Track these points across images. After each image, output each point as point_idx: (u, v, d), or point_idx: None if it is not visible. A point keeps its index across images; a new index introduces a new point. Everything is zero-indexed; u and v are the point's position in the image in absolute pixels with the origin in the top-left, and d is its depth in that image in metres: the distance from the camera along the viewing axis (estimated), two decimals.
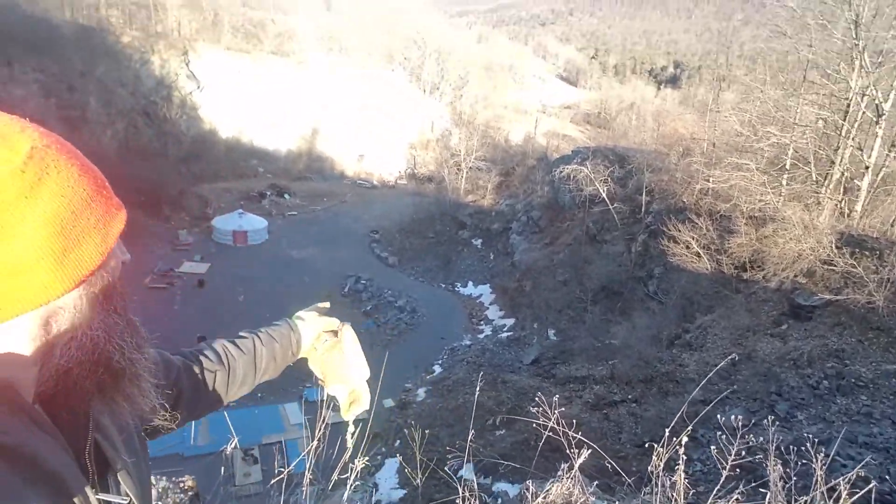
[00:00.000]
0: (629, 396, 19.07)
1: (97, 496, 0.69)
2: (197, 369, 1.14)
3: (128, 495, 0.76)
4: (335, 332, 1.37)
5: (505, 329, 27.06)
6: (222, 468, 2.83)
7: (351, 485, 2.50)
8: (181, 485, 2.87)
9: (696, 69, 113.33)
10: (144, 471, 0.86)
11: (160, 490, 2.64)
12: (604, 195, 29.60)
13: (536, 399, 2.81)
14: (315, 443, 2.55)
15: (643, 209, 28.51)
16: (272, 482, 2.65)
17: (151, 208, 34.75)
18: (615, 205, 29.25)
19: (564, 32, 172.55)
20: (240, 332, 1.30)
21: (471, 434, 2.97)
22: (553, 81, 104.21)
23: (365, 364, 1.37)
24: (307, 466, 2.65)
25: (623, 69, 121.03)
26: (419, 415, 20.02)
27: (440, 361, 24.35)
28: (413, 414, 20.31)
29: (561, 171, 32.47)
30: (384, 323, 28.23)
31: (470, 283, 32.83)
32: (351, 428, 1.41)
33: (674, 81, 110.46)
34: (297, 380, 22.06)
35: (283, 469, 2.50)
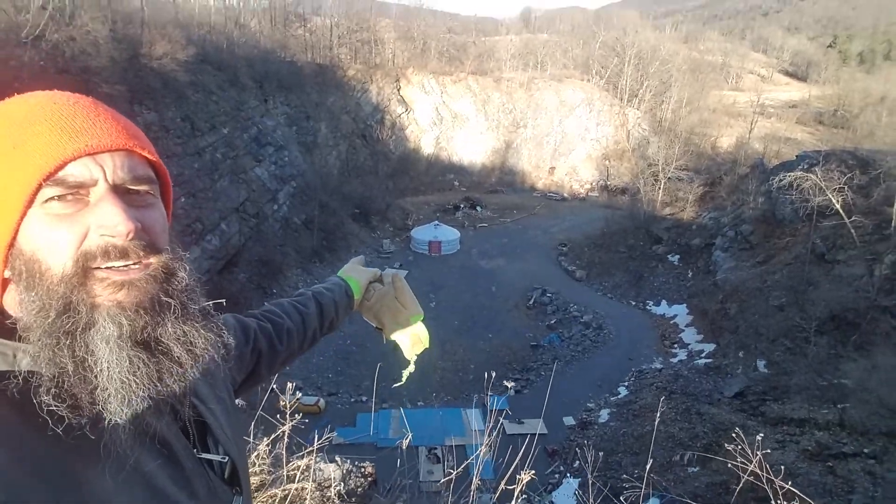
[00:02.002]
0: (865, 450, 15.81)
1: (199, 456, 0.78)
2: (270, 328, 1.21)
3: (226, 454, 0.83)
4: (381, 282, 1.42)
5: (703, 355, 24.47)
6: (397, 461, 3.07)
7: (517, 496, 2.50)
8: (363, 470, 3.20)
9: None
10: (239, 432, 0.94)
11: (344, 471, 2.98)
12: (838, 207, 25.01)
13: (737, 437, 2.55)
14: (483, 448, 2.66)
15: (894, 223, 23.46)
16: (441, 481, 2.83)
17: (362, 220, 39.31)
18: (853, 218, 24.50)
19: (793, 21, 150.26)
20: (298, 292, 1.37)
21: (649, 463, 2.77)
22: (776, 78, 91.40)
23: (417, 305, 1.39)
24: (475, 472, 2.76)
25: (871, 56, 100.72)
26: (601, 437, 19.19)
27: (626, 383, 23.02)
28: (594, 436, 19.52)
29: (781, 180, 28.39)
30: (568, 338, 27.68)
31: (664, 302, 30.42)
32: (411, 367, 1.41)
33: None
34: (481, 387, 22.84)
35: (457, 470, 2.59)
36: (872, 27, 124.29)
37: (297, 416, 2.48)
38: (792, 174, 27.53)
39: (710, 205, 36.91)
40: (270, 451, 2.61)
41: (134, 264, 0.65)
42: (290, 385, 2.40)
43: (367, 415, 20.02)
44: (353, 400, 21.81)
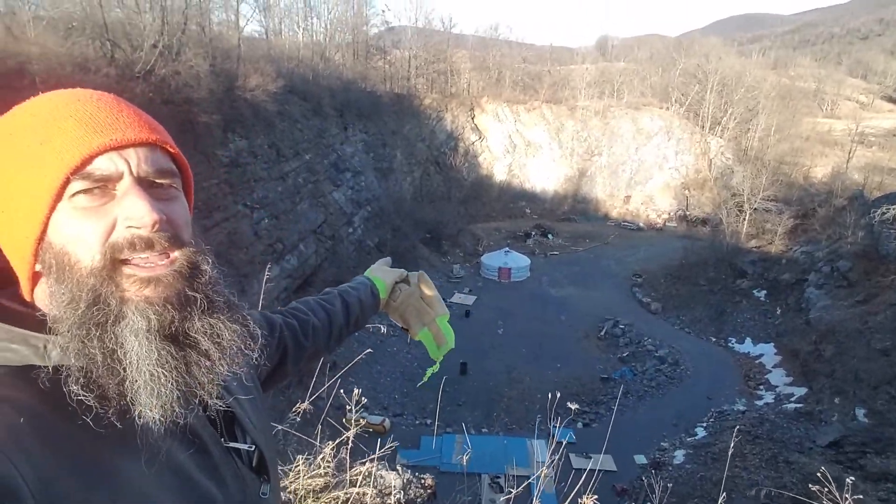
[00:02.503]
0: None
1: (226, 445, 0.80)
2: (296, 324, 1.22)
3: (253, 443, 0.85)
4: (407, 282, 1.43)
5: (792, 399, 22.59)
6: (457, 484, 3.06)
7: None
8: (423, 482, 3.22)
9: None
10: (265, 422, 0.96)
11: (405, 480, 3.02)
12: None
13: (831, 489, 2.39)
14: (544, 478, 2.62)
15: None
16: None
17: (434, 244, 39.87)
18: None
19: None
20: (325, 291, 1.39)
21: None
22: (877, 104, 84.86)
23: (443, 305, 1.41)
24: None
25: None
26: (675, 479, 18.02)
27: (704, 424, 21.63)
28: (668, 477, 18.35)
29: (885, 213, 26.20)
30: (641, 372, 26.46)
31: (748, 340, 28.48)
32: (435, 367, 1.43)
33: None
34: (547, 418, 22.35)
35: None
36: None
37: (359, 426, 2.54)
38: None
39: (803, 238, 34.49)
40: (335, 455, 2.67)
41: (160, 256, 0.67)
42: (356, 391, 2.45)
43: (431, 437, 19.96)
44: (417, 422, 21.85)
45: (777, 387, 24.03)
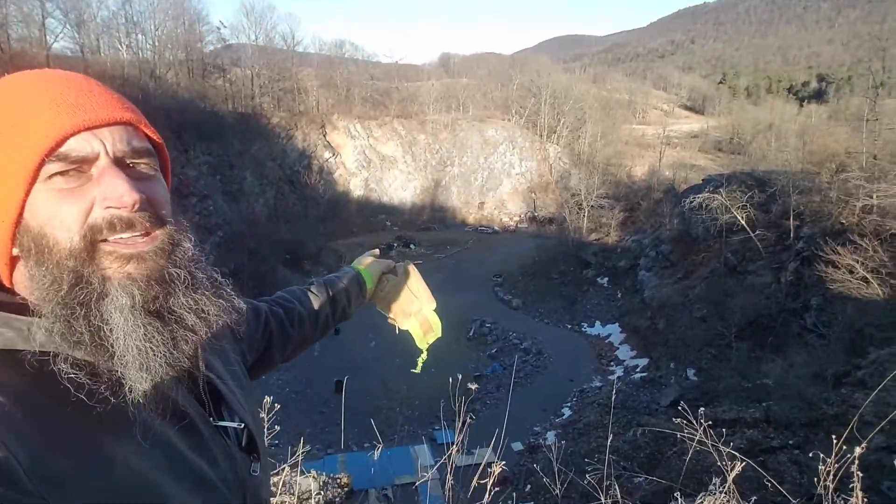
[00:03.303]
0: (790, 442, 16.78)
1: (215, 423, 0.79)
2: (282, 312, 1.21)
3: (242, 422, 0.84)
4: (394, 273, 1.42)
5: (638, 370, 25.40)
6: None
7: None
8: (338, 481, 3.16)
9: (846, 79, 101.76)
10: (253, 404, 0.95)
11: (321, 483, 2.93)
12: (743, 223, 27.21)
13: (679, 445, 2.66)
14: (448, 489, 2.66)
15: (792, 234, 25.73)
16: None
17: (295, 264, 38.45)
18: (757, 232, 26.70)
19: (686, 61, 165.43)
20: (311, 280, 1.38)
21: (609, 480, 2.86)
22: (676, 112, 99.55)
23: (430, 295, 1.40)
24: None
25: (756, 90, 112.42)
26: (550, 459, 19.26)
27: (569, 404, 23.41)
28: (543, 458, 19.57)
29: (692, 202, 30.60)
30: (510, 365, 27.91)
31: (597, 323, 31.50)
32: (424, 356, 1.42)
33: (819, 96, 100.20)
34: (427, 423, 22.49)
35: None
36: (753, 65, 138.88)
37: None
38: (700, 196, 29.75)
39: (632, 228, 39.12)
40: None
41: (140, 236, 0.66)
42: (267, 398, 2.44)
43: (311, 462, 19.12)
44: (294, 449, 20.81)
45: (624, 361, 26.84)
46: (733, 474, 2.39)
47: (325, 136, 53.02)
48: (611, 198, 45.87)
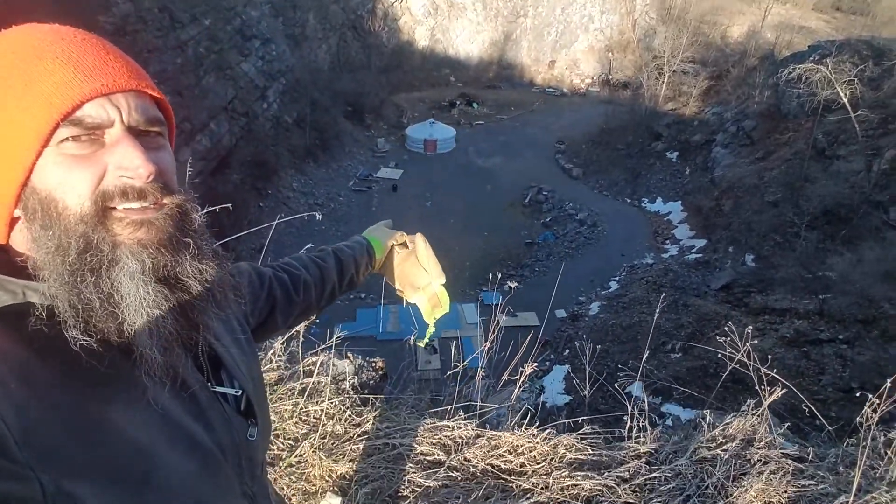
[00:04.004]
0: (840, 336, 16.64)
1: (213, 389, 0.81)
2: (286, 277, 1.21)
3: (241, 388, 0.86)
4: (405, 245, 1.40)
5: (693, 250, 24.93)
6: (408, 354, 3.26)
7: (520, 385, 2.69)
8: (373, 364, 3.37)
9: None
10: (255, 368, 0.96)
11: (356, 366, 3.14)
12: (845, 100, 24.20)
13: (723, 328, 2.60)
14: (488, 343, 2.79)
15: None
16: (448, 373, 2.97)
17: (356, 118, 38.20)
18: (858, 112, 23.83)
19: None
20: (319, 248, 1.38)
21: (646, 354, 2.96)
22: None
23: (440, 269, 1.39)
24: (480, 364, 2.91)
25: None
26: (591, 328, 20.03)
27: (617, 278, 23.66)
28: (584, 327, 20.39)
29: (790, 72, 27.22)
30: (563, 235, 28.04)
31: (659, 200, 30.46)
32: (432, 329, 1.42)
33: None
34: (476, 283, 23.51)
35: (457, 364, 2.77)
36: None
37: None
38: (801, 66, 26.32)
39: (715, 99, 35.76)
40: (285, 349, 2.79)
41: (151, 205, 0.66)
42: None
43: (366, 310, 20.75)
44: (352, 297, 22.52)
45: (681, 240, 26.29)
46: (770, 399, 2.42)
47: None
48: (697, 62, 41.43)
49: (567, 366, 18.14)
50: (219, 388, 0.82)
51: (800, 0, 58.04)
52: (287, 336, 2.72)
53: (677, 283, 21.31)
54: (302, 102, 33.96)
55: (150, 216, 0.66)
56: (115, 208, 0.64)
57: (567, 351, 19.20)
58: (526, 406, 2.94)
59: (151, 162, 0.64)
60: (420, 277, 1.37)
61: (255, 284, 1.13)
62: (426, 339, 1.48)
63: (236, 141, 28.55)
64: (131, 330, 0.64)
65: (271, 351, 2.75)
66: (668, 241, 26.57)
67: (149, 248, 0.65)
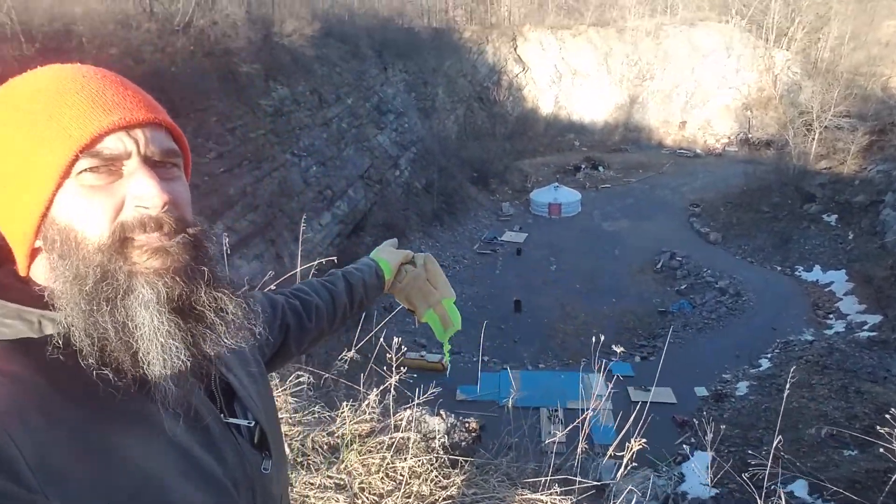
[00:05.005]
0: None
1: (225, 420, 0.79)
2: (298, 304, 1.21)
3: (254, 419, 0.84)
4: (413, 264, 1.41)
5: (865, 327, 21.66)
6: (513, 420, 3.15)
7: (626, 464, 2.49)
8: (467, 425, 3.29)
9: None
10: (268, 399, 0.95)
11: (448, 424, 3.08)
12: None
13: None
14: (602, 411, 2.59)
15: None
16: (574, 446, 2.79)
17: (481, 183, 39.38)
18: None
19: None
20: (329, 272, 1.38)
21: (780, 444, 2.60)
22: None
23: (449, 287, 1.39)
24: (613, 442, 2.71)
25: None
26: (738, 411, 17.92)
27: (769, 355, 21.14)
28: (731, 409, 18.28)
29: None
30: (700, 304, 25.88)
31: (816, 268, 27.19)
32: (448, 346, 1.42)
33: None
34: (604, 352, 22.33)
35: (582, 439, 2.63)
36: None
37: (402, 370, 2.60)
38: None
39: (879, 156, 31.96)
40: (380, 402, 2.77)
41: (167, 235, 0.66)
42: (396, 339, 2.53)
43: (489, 374, 20.41)
44: (475, 359, 22.36)
45: (848, 315, 23.05)
46: None
47: (515, 49, 51.47)
48: (854, 117, 37.60)
49: (711, 453, 16.20)
50: (232, 420, 0.81)
51: None
52: (382, 388, 2.70)
53: (847, 366, 18.50)
54: (431, 169, 35.82)
55: (166, 244, 0.66)
56: (133, 239, 0.65)
57: (710, 435, 17.23)
58: (666, 493, 2.54)
59: (166, 192, 0.65)
60: (430, 295, 1.37)
61: (268, 313, 1.11)
62: (447, 358, 1.47)
63: (371, 206, 30.57)
64: (146, 359, 0.64)
65: (365, 402, 2.72)
66: (831, 316, 23.41)
67: (164, 277, 0.65)
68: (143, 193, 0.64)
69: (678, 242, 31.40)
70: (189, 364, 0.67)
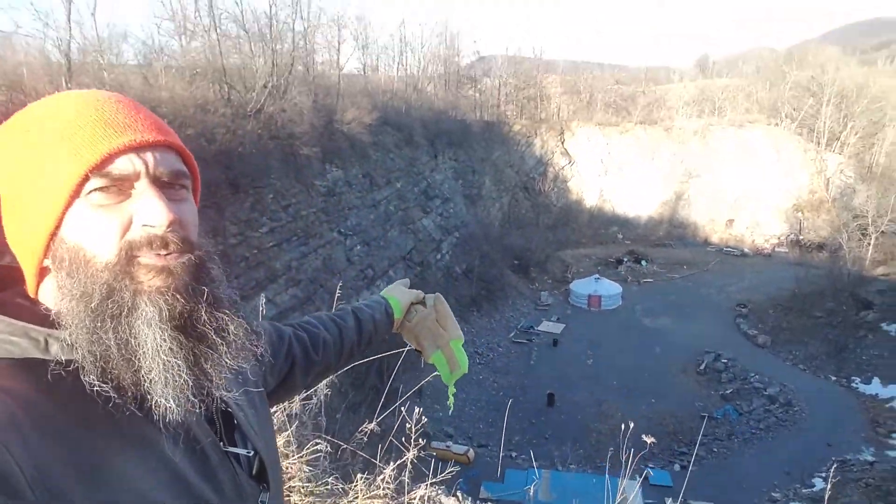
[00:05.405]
0: None
1: (225, 449, 0.79)
2: (306, 336, 1.21)
3: (253, 449, 0.84)
4: (423, 304, 1.40)
5: None
6: None
7: None
8: None
9: None
10: (268, 429, 0.96)
11: None
12: None
13: None
14: None
15: None
16: None
17: (521, 271, 39.57)
18: None
19: None
20: (339, 307, 1.40)
21: None
22: None
23: (458, 329, 1.38)
24: None
25: None
26: None
27: (823, 474, 19.41)
28: None
29: None
30: (747, 412, 24.33)
31: (876, 380, 25.31)
32: (453, 389, 1.39)
33: None
34: (641, 457, 21.15)
35: None
36: None
37: (420, 441, 2.53)
38: None
39: None
40: (395, 478, 2.69)
41: (172, 255, 0.69)
42: (417, 410, 2.52)
43: (516, 472, 19.52)
44: (503, 454, 21.50)
45: None
46: None
47: (563, 142, 53.26)
48: None
49: None
50: (231, 449, 0.81)
51: None
52: (398, 463, 2.63)
53: None
54: (472, 255, 36.42)
55: (170, 263, 0.68)
56: (139, 257, 0.67)
57: None
58: None
59: (173, 212, 0.67)
60: (439, 337, 1.36)
61: (275, 343, 1.12)
62: (451, 402, 1.42)
63: (409, 287, 31.09)
64: (147, 377, 0.65)
65: (381, 477, 2.63)
66: (894, 434, 21.50)
67: (165, 295, 0.67)
68: (150, 212, 0.66)
69: (723, 344, 30.08)
70: (190, 383, 0.67)
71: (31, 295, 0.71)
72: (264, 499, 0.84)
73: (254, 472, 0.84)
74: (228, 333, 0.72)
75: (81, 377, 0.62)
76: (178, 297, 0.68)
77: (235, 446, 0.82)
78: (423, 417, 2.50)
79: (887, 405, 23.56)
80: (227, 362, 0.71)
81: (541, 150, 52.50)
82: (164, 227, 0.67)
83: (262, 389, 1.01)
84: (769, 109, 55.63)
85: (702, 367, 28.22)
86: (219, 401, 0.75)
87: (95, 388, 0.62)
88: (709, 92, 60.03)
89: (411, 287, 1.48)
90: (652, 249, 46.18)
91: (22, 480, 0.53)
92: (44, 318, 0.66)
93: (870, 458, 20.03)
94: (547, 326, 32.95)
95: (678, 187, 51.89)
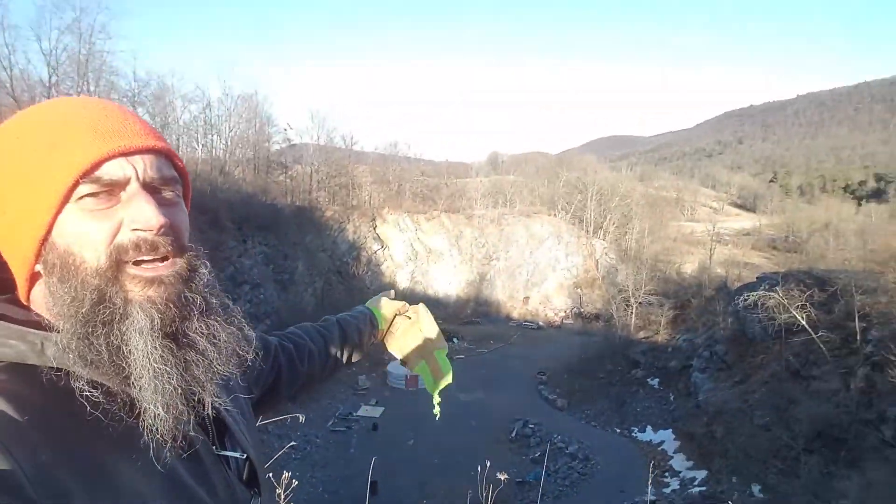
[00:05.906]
0: None
1: (217, 452, 0.80)
2: (291, 347, 1.22)
3: (245, 453, 0.85)
4: (407, 315, 1.41)
5: (696, 483, 23.27)
6: None
7: None
8: None
9: None
10: (254, 433, 0.96)
11: None
12: (804, 323, 25.68)
13: None
14: None
15: (858, 337, 24.03)
16: None
17: None
18: (820, 334, 25.06)
19: (735, 161, 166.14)
20: (324, 318, 1.40)
21: None
22: (726, 210, 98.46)
23: (442, 339, 1.41)
24: None
25: (810, 189, 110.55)
26: None
27: None
28: None
29: (746, 299, 29.29)
30: (554, 472, 26.17)
31: (649, 428, 29.47)
32: (437, 398, 1.40)
33: (877, 195, 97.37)
34: None
35: None
36: (805, 165, 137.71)
37: None
38: (755, 293, 28.52)
39: (682, 327, 37.52)
40: None
41: (162, 260, 0.69)
42: None
43: None
44: None
45: (681, 472, 24.70)
46: None
47: (374, 228, 55.03)
48: (660, 294, 44.64)
49: None
50: (223, 452, 0.81)
51: (739, 241, 65.64)
52: None
53: None
54: None
55: (161, 273, 0.68)
56: (128, 263, 0.67)
57: None
58: None
59: (163, 216, 0.67)
60: (423, 347, 1.37)
61: (261, 353, 1.10)
62: (437, 411, 1.42)
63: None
64: (137, 384, 0.65)
65: None
66: (667, 474, 24.91)
67: (158, 305, 0.67)
68: (139, 216, 0.66)
69: (530, 410, 32.47)
70: (180, 390, 0.67)
71: (24, 300, 0.70)
72: (256, 503, 0.84)
73: (244, 477, 0.84)
74: (219, 340, 0.72)
75: (71, 382, 0.62)
76: (171, 306, 0.68)
77: (226, 450, 0.82)
78: None
79: (659, 448, 27.40)
80: (218, 368, 0.72)
81: (353, 234, 53.50)
82: (154, 230, 0.66)
83: (252, 395, 1.02)
84: (549, 202, 65.23)
85: (513, 434, 29.91)
86: (210, 406, 0.76)
87: (85, 393, 0.62)
88: (500, 186, 68.36)
89: None
90: (462, 327, 48.94)
91: (23, 479, 0.54)
92: (37, 323, 0.66)
93: (652, 498, 22.78)
94: (366, 411, 32.15)
95: (481, 269, 56.81)
